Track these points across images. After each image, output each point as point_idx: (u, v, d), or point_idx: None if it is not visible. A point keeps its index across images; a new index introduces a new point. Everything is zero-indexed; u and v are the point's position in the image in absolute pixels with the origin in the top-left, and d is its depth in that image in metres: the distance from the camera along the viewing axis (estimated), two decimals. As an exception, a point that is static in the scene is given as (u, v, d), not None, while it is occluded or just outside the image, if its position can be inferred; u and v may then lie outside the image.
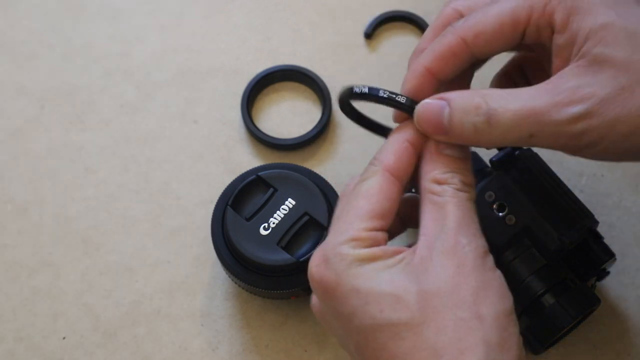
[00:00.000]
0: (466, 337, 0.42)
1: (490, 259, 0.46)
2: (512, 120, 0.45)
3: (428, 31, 0.52)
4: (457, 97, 0.47)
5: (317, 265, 0.47)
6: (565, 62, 0.46)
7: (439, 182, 0.47)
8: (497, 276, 0.46)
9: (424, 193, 0.48)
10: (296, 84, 0.71)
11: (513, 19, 0.46)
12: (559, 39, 0.46)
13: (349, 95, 0.49)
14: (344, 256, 0.46)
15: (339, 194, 0.61)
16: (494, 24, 0.46)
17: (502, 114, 0.45)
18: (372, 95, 0.49)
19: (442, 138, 0.48)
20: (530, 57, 0.55)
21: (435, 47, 0.48)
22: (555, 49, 0.46)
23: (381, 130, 0.53)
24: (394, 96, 0.48)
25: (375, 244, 0.46)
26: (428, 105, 0.47)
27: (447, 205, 0.46)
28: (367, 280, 0.44)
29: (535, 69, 0.55)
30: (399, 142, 0.49)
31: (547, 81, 0.46)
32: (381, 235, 0.47)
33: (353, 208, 0.47)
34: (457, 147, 0.49)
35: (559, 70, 0.46)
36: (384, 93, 0.48)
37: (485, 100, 0.45)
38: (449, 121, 0.47)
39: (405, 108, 0.49)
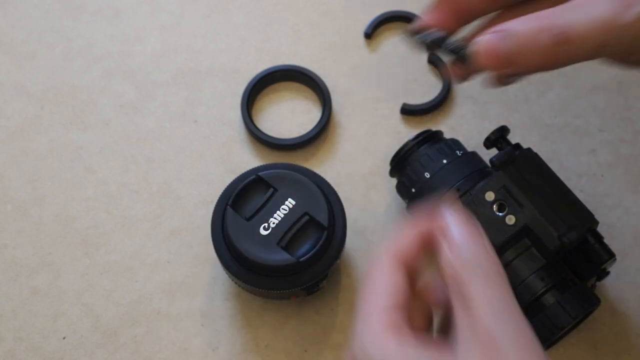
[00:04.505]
0: None
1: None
2: (587, 32, 0.44)
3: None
4: (519, 23, 0.46)
5: None
6: None
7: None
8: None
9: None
10: (296, 84, 0.71)
11: None
12: None
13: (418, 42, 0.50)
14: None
15: (338, 194, 0.61)
16: None
17: (576, 27, 0.44)
18: (441, 46, 0.49)
19: (508, 70, 0.47)
20: None
21: None
22: None
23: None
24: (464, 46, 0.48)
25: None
26: (489, 40, 0.46)
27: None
28: None
29: None
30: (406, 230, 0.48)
31: None
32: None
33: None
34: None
35: None
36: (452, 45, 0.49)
37: (553, 20, 0.45)
38: (517, 49, 0.46)
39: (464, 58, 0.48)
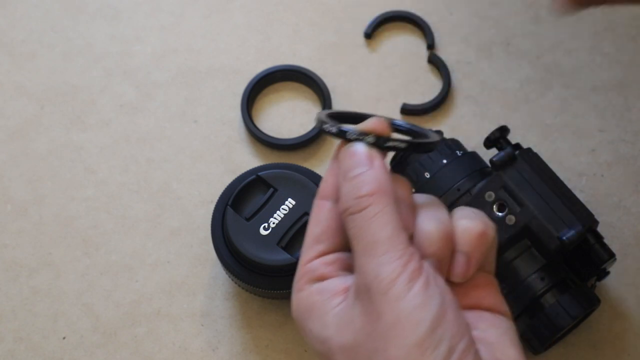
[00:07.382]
0: None
1: (405, 275, 0.42)
2: None
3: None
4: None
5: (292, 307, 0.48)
6: None
7: (342, 213, 0.46)
8: (410, 299, 0.42)
9: None
10: (296, 84, 0.71)
11: None
12: None
13: (320, 131, 0.51)
14: (293, 304, 0.47)
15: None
16: None
17: None
18: (341, 137, 0.50)
19: None
20: None
21: None
22: None
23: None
24: (362, 137, 0.49)
25: (320, 276, 0.46)
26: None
27: (352, 239, 0.45)
28: (308, 336, 0.46)
29: None
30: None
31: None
32: (329, 259, 0.47)
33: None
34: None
35: None
36: (351, 135, 0.49)
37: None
38: None
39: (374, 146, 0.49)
